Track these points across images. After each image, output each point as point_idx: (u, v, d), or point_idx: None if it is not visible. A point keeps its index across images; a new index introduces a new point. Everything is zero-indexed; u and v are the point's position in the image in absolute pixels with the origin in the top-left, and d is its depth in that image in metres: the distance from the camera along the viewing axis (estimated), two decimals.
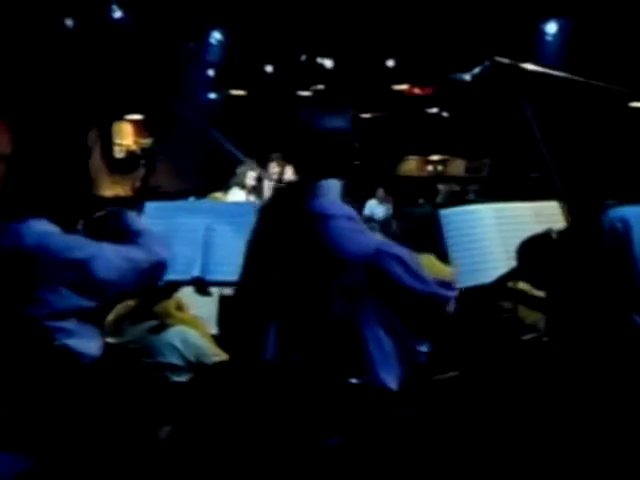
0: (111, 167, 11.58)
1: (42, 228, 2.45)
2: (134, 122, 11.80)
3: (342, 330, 1.90)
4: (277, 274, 1.97)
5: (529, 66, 3.55)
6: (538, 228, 3.59)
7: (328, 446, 1.85)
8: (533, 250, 2.74)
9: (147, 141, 11.63)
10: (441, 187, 12.26)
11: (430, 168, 16.18)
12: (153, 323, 3.34)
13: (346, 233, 1.97)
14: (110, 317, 3.28)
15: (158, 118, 11.31)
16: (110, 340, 3.10)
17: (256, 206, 3.72)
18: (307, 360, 1.89)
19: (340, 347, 1.89)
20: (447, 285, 2.12)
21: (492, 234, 3.49)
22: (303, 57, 10.11)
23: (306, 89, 11.14)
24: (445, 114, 12.65)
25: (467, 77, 3.52)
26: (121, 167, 11.59)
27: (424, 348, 2.00)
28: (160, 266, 2.62)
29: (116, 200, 10.86)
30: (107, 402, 2.46)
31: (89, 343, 2.41)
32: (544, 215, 3.69)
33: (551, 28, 11.05)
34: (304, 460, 1.86)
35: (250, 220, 3.33)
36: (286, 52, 10.08)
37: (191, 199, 5.36)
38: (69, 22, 10.44)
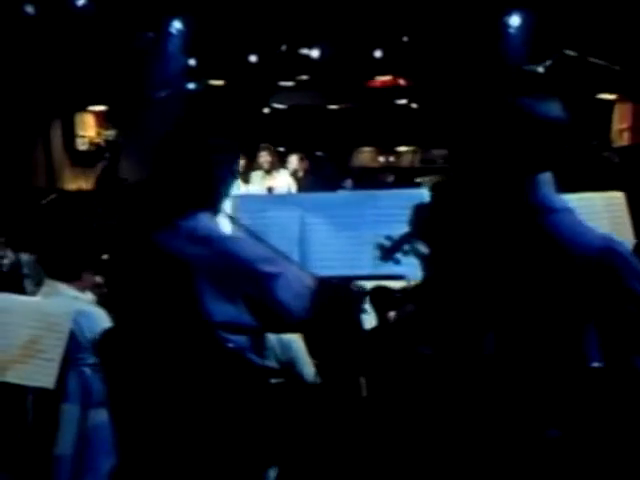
0: (74, 160, 11.21)
1: (213, 226, 2.35)
2: (97, 113, 11.45)
3: (565, 325, 1.86)
4: (491, 268, 1.91)
5: (595, 59, 3.62)
6: (607, 218, 3.64)
7: (550, 438, 1.83)
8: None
9: (110, 133, 11.32)
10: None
11: (382, 159, 16.28)
12: None
13: (573, 226, 1.93)
14: None
15: (121, 109, 11.02)
16: None
17: (348, 198, 3.61)
18: (528, 353, 1.86)
19: (562, 342, 1.86)
20: None
21: None
22: (284, 47, 10.00)
23: (291, 79, 11.03)
24: (414, 105, 12.70)
25: (540, 69, 3.56)
26: (84, 160, 11.24)
27: None
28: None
29: (79, 193, 10.54)
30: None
31: (257, 358, 2.32)
32: (610, 205, 3.76)
33: (514, 21, 11.22)
34: (526, 452, 1.84)
35: (345, 212, 3.25)
36: (267, 42, 9.94)
37: None
38: (29, 9, 10.10)
